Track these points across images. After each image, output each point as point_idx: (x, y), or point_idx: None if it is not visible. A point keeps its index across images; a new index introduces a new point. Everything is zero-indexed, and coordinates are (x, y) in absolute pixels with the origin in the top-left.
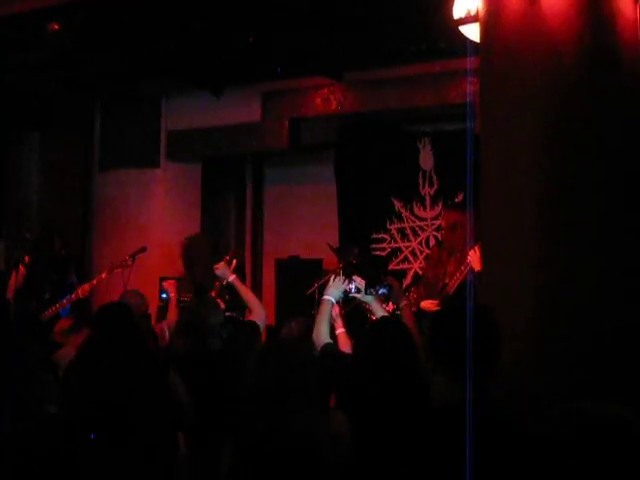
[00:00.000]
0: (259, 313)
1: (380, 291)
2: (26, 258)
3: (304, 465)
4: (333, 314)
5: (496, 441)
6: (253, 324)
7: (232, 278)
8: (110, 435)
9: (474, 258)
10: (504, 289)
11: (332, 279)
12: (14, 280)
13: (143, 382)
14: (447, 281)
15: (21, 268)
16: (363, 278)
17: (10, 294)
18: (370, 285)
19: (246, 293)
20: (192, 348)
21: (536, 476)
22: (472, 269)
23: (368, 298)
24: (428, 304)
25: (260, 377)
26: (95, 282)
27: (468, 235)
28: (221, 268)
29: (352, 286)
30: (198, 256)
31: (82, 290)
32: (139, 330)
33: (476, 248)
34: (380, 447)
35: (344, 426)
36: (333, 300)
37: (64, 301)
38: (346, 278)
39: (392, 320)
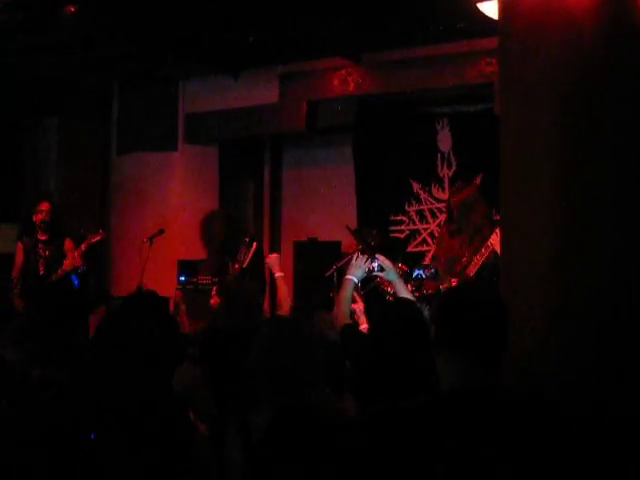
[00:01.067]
0: (285, 306)
1: (418, 272)
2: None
3: (315, 443)
4: (357, 311)
5: (521, 423)
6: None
7: (278, 275)
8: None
9: (496, 241)
10: (523, 269)
11: (354, 258)
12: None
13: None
14: (465, 263)
15: (19, 246)
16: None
17: (15, 272)
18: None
19: (284, 291)
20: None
21: (564, 456)
22: (495, 251)
23: (391, 276)
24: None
25: (270, 354)
26: (76, 254)
27: (480, 216)
28: (273, 260)
29: (375, 264)
30: (217, 231)
31: (66, 264)
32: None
33: (497, 231)
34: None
35: (352, 409)
36: (356, 280)
37: (52, 277)
38: (369, 257)
39: (406, 301)
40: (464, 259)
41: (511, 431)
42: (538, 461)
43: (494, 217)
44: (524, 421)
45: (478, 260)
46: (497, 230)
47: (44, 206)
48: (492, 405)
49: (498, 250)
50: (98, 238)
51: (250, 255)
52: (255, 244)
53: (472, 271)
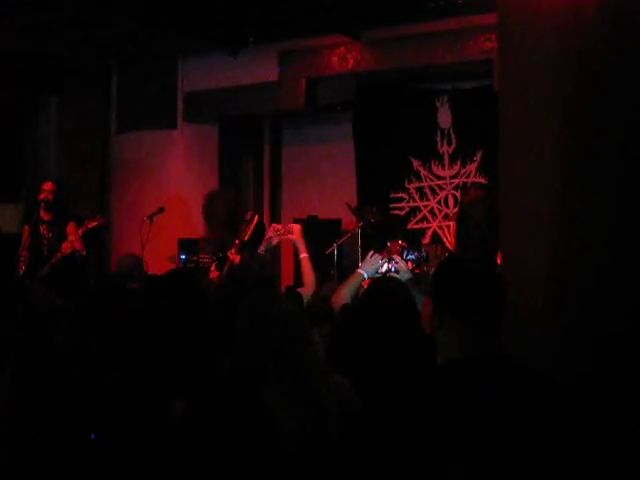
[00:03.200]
0: (309, 288)
1: (410, 256)
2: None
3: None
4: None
5: (524, 391)
6: (298, 293)
7: (303, 256)
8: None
9: None
10: (523, 247)
11: (370, 255)
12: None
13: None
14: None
15: (26, 228)
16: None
17: (23, 251)
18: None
19: (309, 269)
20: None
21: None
22: None
23: (405, 277)
24: None
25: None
26: (74, 238)
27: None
28: (297, 233)
29: (391, 266)
30: (220, 209)
31: (64, 248)
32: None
33: None
34: (391, 405)
35: (349, 384)
36: (366, 275)
37: (52, 260)
38: (385, 258)
39: (390, 278)
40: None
41: (515, 400)
42: (538, 433)
43: None
44: (527, 390)
45: None
46: None
47: (47, 186)
48: (496, 373)
49: None
50: (95, 224)
51: (251, 228)
52: (257, 217)
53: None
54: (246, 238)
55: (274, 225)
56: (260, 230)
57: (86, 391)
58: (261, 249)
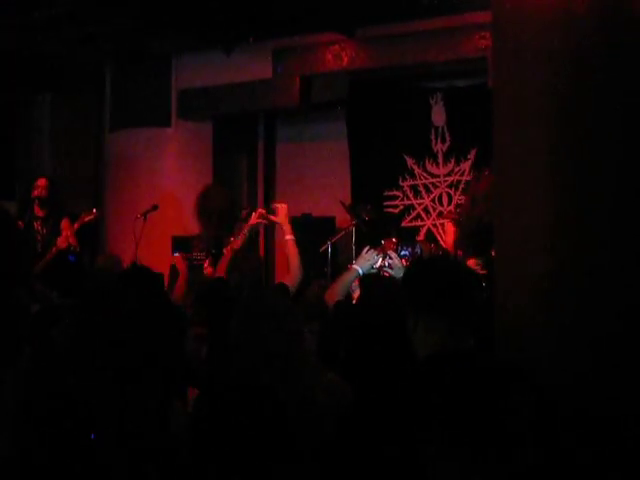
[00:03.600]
0: (295, 276)
1: (404, 252)
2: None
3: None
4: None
5: (501, 387)
6: (285, 287)
7: (289, 237)
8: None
9: None
10: (516, 240)
11: (365, 250)
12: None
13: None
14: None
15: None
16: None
17: None
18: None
19: (294, 255)
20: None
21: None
22: None
23: (399, 275)
24: (472, 264)
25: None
26: (69, 233)
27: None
28: (282, 214)
29: (385, 262)
30: (214, 206)
31: (60, 242)
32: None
33: None
34: (379, 399)
35: (345, 387)
36: (360, 271)
37: (47, 256)
38: (381, 254)
39: (381, 275)
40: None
41: (491, 395)
42: (516, 427)
43: None
44: (503, 386)
45: None
46: None
47: (41, 182)
48: (471, 369)
49: None
50: (91, 217)
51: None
52: (256, 211)
53: None
54: (247, 229)
55: (259, 210)
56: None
57: (84, 390)
58: (244, 232)
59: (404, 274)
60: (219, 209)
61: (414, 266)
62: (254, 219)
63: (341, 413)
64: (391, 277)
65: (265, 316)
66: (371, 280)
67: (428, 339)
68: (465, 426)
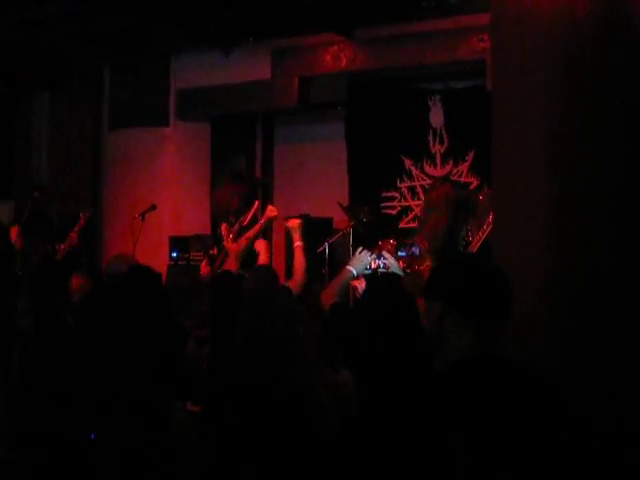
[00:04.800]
0: (299, 282)
1: (401, 253)
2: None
3: (304, 415)
4: (359, 288)
5: (530, 393)
6: (289, 289)
7: (297, 244)
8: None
9: None
10: (515, 243)
11: (359, 251)
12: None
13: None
14: (469, 239)
15: (13, 229)
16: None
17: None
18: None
19: (301, 262)
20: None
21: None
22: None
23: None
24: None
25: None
26: (77, 229)
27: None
28: (295, 226)
29: (380, 262)
30: (235, 201)
31: (72, 239)
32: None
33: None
34: (390, 402)
35: (349, 384)
36: (355, 272)
37: (60, 252)
38: (375, 254)
39: (390, 274)
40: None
41: (524, 401)
42: (543, 434)
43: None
44: (535, 393)
45: (480, 237)
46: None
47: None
48: (504, 374)
49: None
50: (82, 223)
51: (251, 214)
52: (257, 203)
53: (475, 247)
54: (245, 223)
55: (271, 207)
56: (257, 216)
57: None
58: (258, 227)
59: (433, 272)
60: (236, 204)
61: (446, 263)
62: (270, 213)
63: (345, 413)
64: (397, 276)
65: (272, 317)
66: (377, 279)
67: (458, 342)
68: (484, 440)
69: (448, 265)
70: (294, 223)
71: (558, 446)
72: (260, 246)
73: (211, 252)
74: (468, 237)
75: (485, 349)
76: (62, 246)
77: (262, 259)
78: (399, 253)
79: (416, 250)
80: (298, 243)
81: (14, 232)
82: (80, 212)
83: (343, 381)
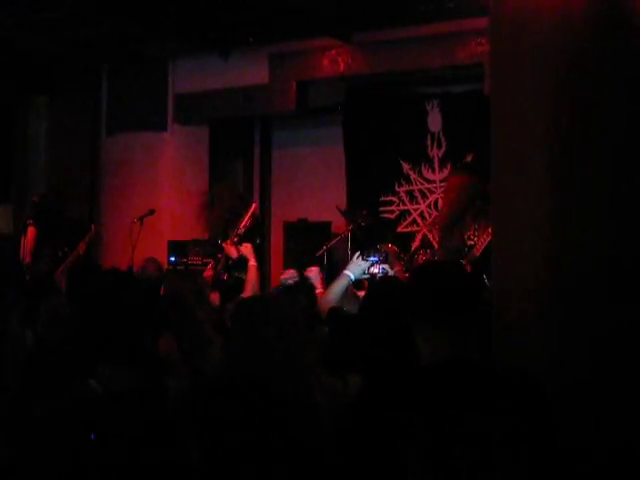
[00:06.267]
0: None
1: (373, 258)
2: (30, 220)
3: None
4: (312, 276)
5: (506, 393)
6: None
7: (252, 264)
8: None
9: None
10: (514, 247)
11: (356, 256)
12: (28, 243)
13: None
14: (471, 243)
15: (31, 230)
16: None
17: (27, 257)
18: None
19: (252, 280)
20: None
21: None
22: None
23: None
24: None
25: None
26: (87, 240)
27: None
28: (313, 274)
29: (377, 269)
30: (224, 203)
31: (81, 248)
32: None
33: None
34: (385, 404)
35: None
36: (352, 277)
37: (69, 259)
38: (373, 262)
39: (390, 277)
40: (470, 241)
41: (489, 404)
42: (513, 438)
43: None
44: (502, 394)
45: (485, 239)
46: None
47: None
48: (470, 378)
49: None
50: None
51: (246, 218)
52: (252, 206)
53: (478, 251)
54: (242, 228)
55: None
56: (255, 219)
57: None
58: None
59: (409, 278)
60: (226, 207)
61: (416, 271)
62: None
63: (340, 414)
64: (398, 280)
65: (266, 321)
66: (376, 283)
67: (426, 348)
68: (444, 441)
69: (414, 281)
70: (312, 272)
71: (525, 448)
72: (246, 250)
73: (218, 256)
74: (473, 238)
75: (454, 354)
76: (72, 253)
77: (251, 262)
78: (369, 258)
79: (383, 256)
80: (253, 263)
81: (31, 233)
82: (92, 223)
83: (338, 382)
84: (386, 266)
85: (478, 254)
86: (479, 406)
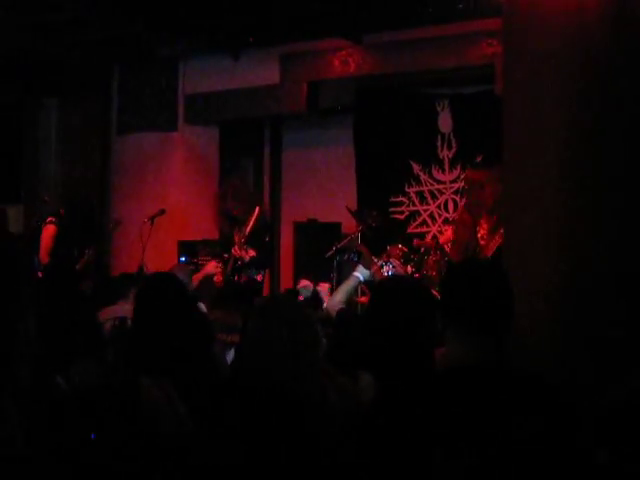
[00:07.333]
0: None
1: (351, 258)
2: (50, 218)
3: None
4: (322, 291)
5: (526, 397)
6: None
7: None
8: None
9: None
10: (525, 248)
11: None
12: (45, 241)
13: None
14: (483, 243)
15: (50, 228)
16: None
17: (45, 256)
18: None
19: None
20: None
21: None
22: None
23: None
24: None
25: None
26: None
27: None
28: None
29: (388, 269)
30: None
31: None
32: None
33: None
34: (400, 407)
35: (369, 387)
36: (362, 278)
37: (84, 258)
38: (382, 261)
39: (398, 276)
40: (481, 240)
41: (514, 409)
42: (538, 442)
43: None
44: (528, 399)
45: (497, 240)
46: None
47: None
48: (496, 381)
49: None
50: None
51: (252, 220)
52: (257, 208)
53: (490, 252)
54: (248, 230)
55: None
56: (261, 221)
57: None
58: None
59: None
60: (241, 209)
61: (449, 272)
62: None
63: (353, 413)
64: (410, 280)
65: (279, 322)
66: (384, 282)
67: (457, 350)
68: (468, 443)
69: (446, 282)
70: (323, 288)
71: (547, 452)
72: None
73: (225, 256)
74: (485, 237)
75: (484, 357)
76: (86, 252)
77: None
78: (353, 258)
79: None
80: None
81: (50, 230)
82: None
83: (350, 382)
84: (395, 269)
85: (490, 254)
86: (507, 409)
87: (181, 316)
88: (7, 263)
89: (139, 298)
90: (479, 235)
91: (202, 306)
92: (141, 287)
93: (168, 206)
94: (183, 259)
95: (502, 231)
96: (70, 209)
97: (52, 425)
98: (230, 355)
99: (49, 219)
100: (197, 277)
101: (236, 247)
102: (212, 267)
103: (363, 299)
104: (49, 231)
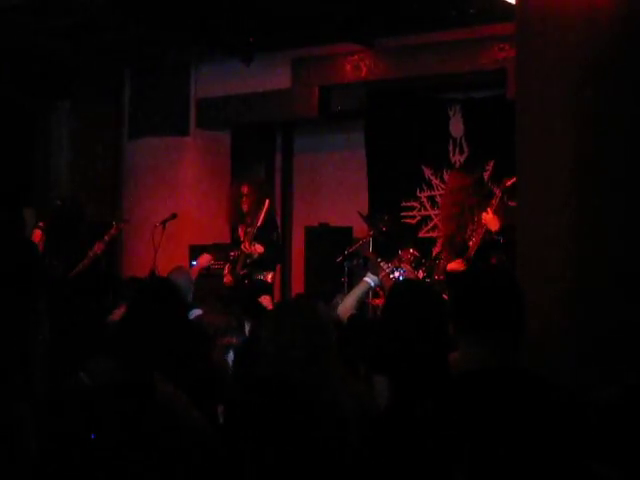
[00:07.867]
0: None
1: (359, 263)
2: (41, 223)
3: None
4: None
5: (539, 402)
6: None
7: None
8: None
9: (488, 219)
10: (539, 251)
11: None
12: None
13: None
14: (469, 244)
15: (37, 233)
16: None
17: None
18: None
19: None
20: None
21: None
22: (489, 230)
23: None
24: (455, 265)
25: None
26: (107, 238)
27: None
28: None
29: (399, 274)
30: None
31: (97, 247)
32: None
33: (489, 210)
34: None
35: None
36: (372, 284)
37: (85, 261)
38: (393, 265)
39: (411, 280)
40: (468, 239)
41: (529, 414)
42: (554, 447)
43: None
44: (543, 405)
45: (475, 241)
46: (489, 209)
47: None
48: (510, 387)
49: (492, 228)
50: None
51: (263, 213)
52: (267, 202)
53: (472, 251)
54: (259, 224)
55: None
56: (272, 214)
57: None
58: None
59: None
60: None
61: (462, 279)
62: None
63: (366, 418)
64: (423, 284)
65: (293, 326)
66: (398, 285)
67: (470, 355)
68: (490, 450)
69: (457, 287)
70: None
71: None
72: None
73: (231, 255)
74: (471, 238)
75: (499, 361)
76: (91, 252)
77: None
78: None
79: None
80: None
81: (36, 237)
82: (114, 221)
83: (363, 387)
84: (406, 274)
85: (472, 254)
86: (529, 411)
87: (174, 321)
88: (24, 270)
89: (132, 302)
90: (467, 235)
91: (198, 312)
92: (135, 291)
93: (180, 210)
94: (194, 263)
95: (479, 231)
96: (56, 213)
97: (70, 420)
98: (230, 357)
99: (39, 224)
100: (193, 272)
101: (246, 243)
102: (206, 260)
103: (378, 301)
104: (36, 237)
